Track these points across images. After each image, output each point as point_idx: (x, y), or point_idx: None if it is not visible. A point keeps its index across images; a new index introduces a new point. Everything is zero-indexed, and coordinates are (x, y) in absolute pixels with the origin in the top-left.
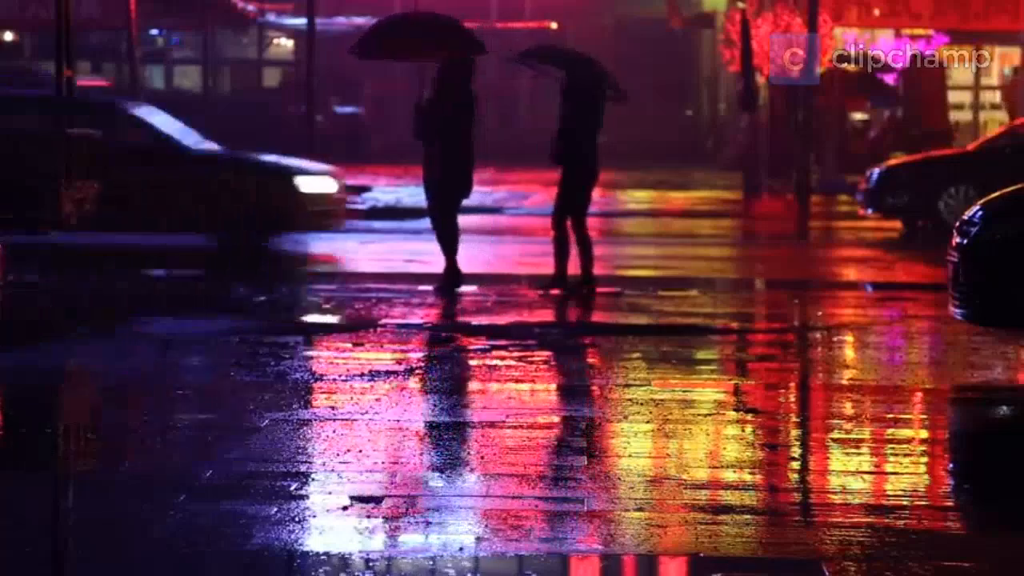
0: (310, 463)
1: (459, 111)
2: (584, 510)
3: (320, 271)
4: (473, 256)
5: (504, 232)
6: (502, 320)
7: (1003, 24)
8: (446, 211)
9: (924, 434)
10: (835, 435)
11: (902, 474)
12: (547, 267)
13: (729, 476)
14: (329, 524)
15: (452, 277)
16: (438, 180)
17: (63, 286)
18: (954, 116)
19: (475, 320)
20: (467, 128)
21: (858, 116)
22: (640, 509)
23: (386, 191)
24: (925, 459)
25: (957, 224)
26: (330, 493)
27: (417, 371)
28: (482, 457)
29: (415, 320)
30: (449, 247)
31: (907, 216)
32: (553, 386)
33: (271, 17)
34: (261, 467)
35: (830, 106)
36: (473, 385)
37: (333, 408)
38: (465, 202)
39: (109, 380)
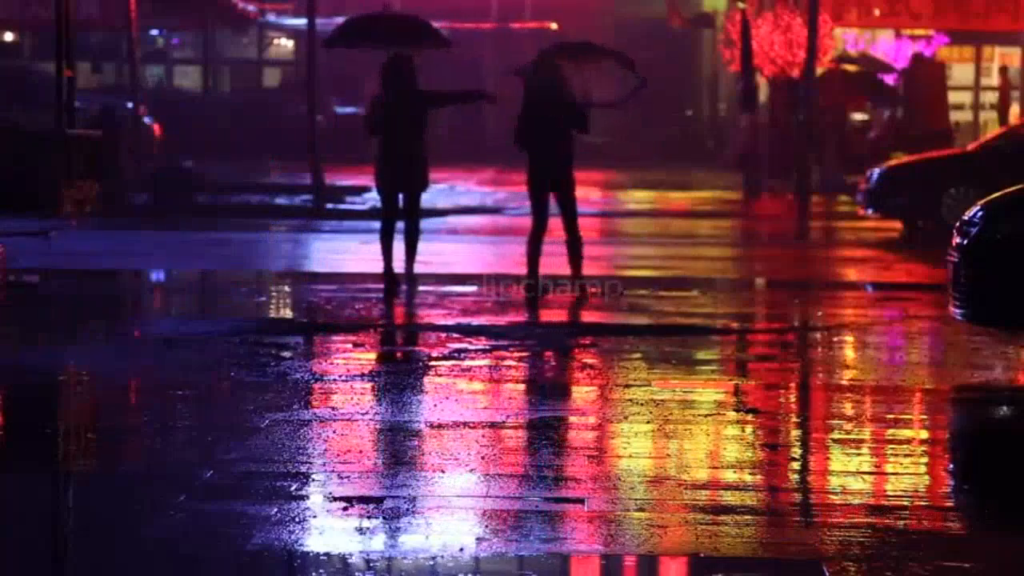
0: (310, 463)
1: (401, 107)
2: (584, 510)
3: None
4: (474, 256)
5: (504, 232)
6: (502, 320)
7: (1003, 24)
8: (401, 210)
9: (924, 434)
10: (835, 435)
11: (902, 474)
12: (549, 267)
13: (729, 476)
14: (329, 524)
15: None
16: (381, 176)
17: (63, 286)
18: (954, 116)
19: (475, 320)
20: (408, 124)
21: (858, 116)
22: (640, 509)
23: None
24: (925, 459)
25: (957, 224)
26: (330, 493)
27: (417, 371)
28: (482, 457)
29: (414, 320)
30: (401, 251)
31: (907, 216)
32: (553, 386)
33: (271, 17)
34: (261, 467)
35: (830, 106)
36: (473, 385)
37: (333, 408)
38: (467, 202)
39: (109, 380)
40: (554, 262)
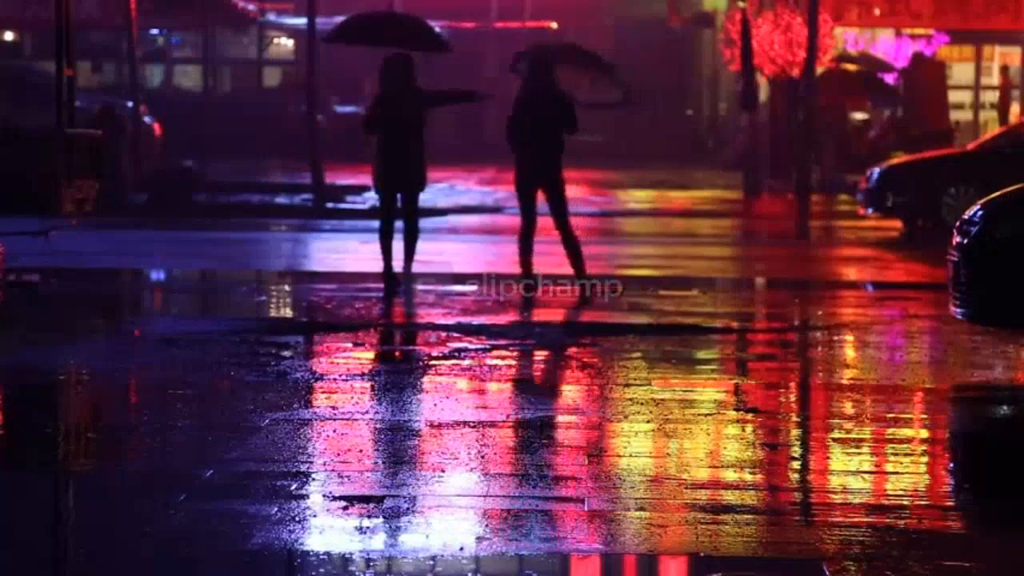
0: (310, 463)
1: (399, 106)
2: (584, 510)
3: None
4: (474, 255)
5: (504, 231)
6: (502, 319)
7: (1003, 24)
8: (401, 209)
9: (924, 434)
10: (835, 435)
11: (902, 474)
12: (548, 266)
13: (729, 476)
14: (329, 524)
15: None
16: (380, 175)
17: (63, 286)
18: (954, 116)
19: (475, 319)
20: (407, 124)
21: (858, 116)
22: (640, 509)
23: None
24: (925, 459)
25: (957, 224)
26: (330, 493)
27: (417, 370)
28: (482, 457)
29: (414, 319)
30: (395, 251)
31: (907, 216)
32: (553, 385)
33: (271, 17)
34: (261, 467)
35: (830, 106)
36: (473, 384)
37: (333, 408)
38: (466, 201)
39: (109, 379)
40: (556, 261)
